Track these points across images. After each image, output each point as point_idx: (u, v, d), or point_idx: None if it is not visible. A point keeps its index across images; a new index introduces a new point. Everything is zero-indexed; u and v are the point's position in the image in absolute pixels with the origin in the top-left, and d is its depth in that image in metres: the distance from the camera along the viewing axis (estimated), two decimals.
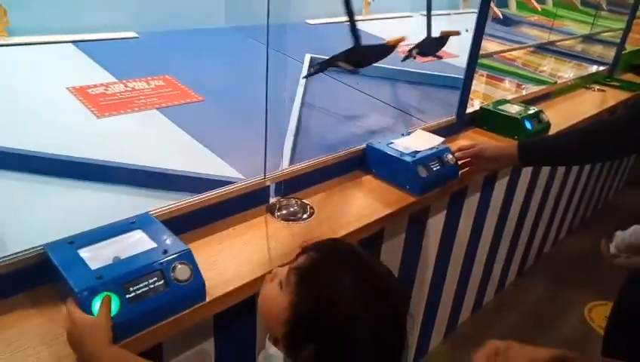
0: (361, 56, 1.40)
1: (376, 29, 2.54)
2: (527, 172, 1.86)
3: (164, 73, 1.66)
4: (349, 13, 1.31)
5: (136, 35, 1.97)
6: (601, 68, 2.56)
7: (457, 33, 1.68)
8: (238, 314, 0.91)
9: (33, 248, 0.76)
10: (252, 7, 2.40)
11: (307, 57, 1.96)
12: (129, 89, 1.51)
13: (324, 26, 2.55)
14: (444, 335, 1.90)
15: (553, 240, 2.49)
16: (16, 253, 0.76)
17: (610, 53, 2.66)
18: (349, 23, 1.32)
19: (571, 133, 1.32)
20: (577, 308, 2.15)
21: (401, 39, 1.43)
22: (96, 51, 1.75)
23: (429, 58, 1.90)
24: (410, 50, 1.64)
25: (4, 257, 0.75)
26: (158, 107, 1.43)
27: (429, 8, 1.72)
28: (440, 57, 1.78)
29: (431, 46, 1.68)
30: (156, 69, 1.68)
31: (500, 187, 1.74)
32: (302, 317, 0.62)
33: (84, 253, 0.75)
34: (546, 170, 2.00)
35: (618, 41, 2.66)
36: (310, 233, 1.01)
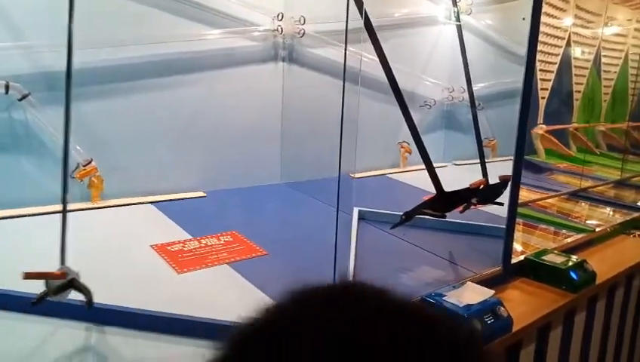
0: (446, 201, 1.55)
1: (413, 179, 2.78)
2: (579, 322, 1.86)
3: (231, 229, 1.86)
4: (429, 166, 1.50)
5: (204, 194, 2.26)
6: (638, 213, 2.65)
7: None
8: None
9: None
10: (302, 164, 2.72)
11: (355, 210, 2.16)
12: (202, 245, 1.70)
13: (366, 179, 2.82)
14: None
15: None
16: None
17: None
18: (429, 174, 1.51)
19: None
20: None
21: (483, 182, 1.60)
22: (172, 210, 2.01)
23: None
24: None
25: None
26: (229, 262, 1.59)
27: (481, 156, 1.90)
28: (501, 204, 1.82)
29: (491, 193, 1.81)
30: (224, 225, 1.89)
31: (555, 337, 1.74)
32: None
33: None
34: (600, 321, 1.99)
35: None
36: None
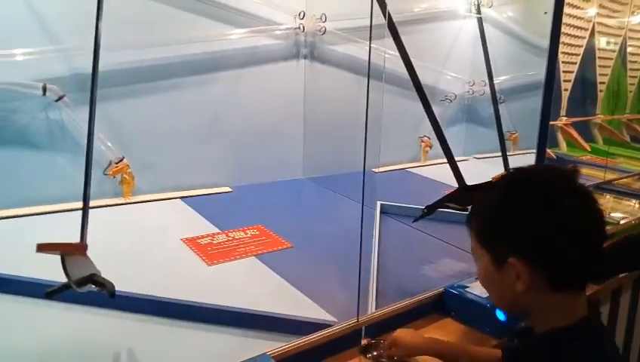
0: (467, 195, 1.57)
1: (434, 173, 2.80)
2: (603, 314, 1.87)
3: (256, 223, 1.92)
4: (451, 159, 1.52)
5: (230, 190, 2.32)
6: None
7: None
8: None
9: None
10: (324, 160, 2.76)
11: (378, 204, 2.20)
12: (230, 238, 1.76)
13: (387, 174, 2.84)
14: None
15: None
16: None
17: None
18: (451, 168, 1.53)
19: None
20: None
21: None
22: (200, 205, 2.07)
23: None
24: None
25: None
26: (256, 254, 1.65)
27: (503, 149, 1.90)
28: None
29: None
30: (250, 219, 1.95)
31: None
32: None
33: None
34: (624, 313, 1.98)
35: None
36: None
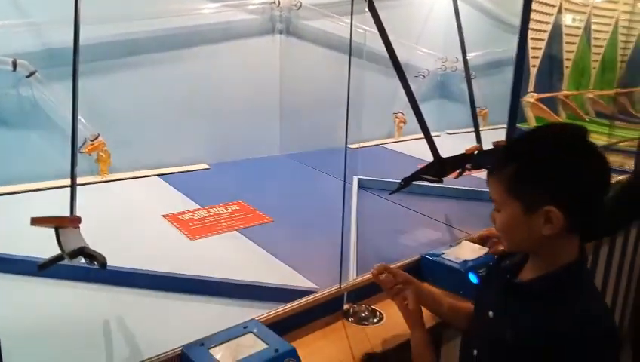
0: (442, 167, 1.63)
1: (408, 148, 2.86)
2: None
3: (236, 199, 1.94)
4: (427, 134, 1.57)
5: (207, 167, 2.33)
6: (623, 176, 2.76)
7: None
8: None
9: (172, 350, 0.95)
10: (301, 136, 2.76)
11: (355, 179, 2.25)
12: (211, 214, 1.78)
13: (362, 150, 2.89)
14: None
15: None
16: (158, 355, 0.95)
17: (630, 162, 2.88)
18: (427, 141, 1.58)
19: None
20: None
21: (477, 148, 1.67)
22: (178, 182, 2.08)
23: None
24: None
25: (149, 358, 0.94)
26: (237, 229, 1.68)
27: (476, 123, 1.97)
28: None
29: (485, 158, 1.89)
30: (229, 195, 1.97)
31: None
32: None
33: (215, 352, 0.93)
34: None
35: (635, 149, 2.90)
36: (382, 335, 1.17)
